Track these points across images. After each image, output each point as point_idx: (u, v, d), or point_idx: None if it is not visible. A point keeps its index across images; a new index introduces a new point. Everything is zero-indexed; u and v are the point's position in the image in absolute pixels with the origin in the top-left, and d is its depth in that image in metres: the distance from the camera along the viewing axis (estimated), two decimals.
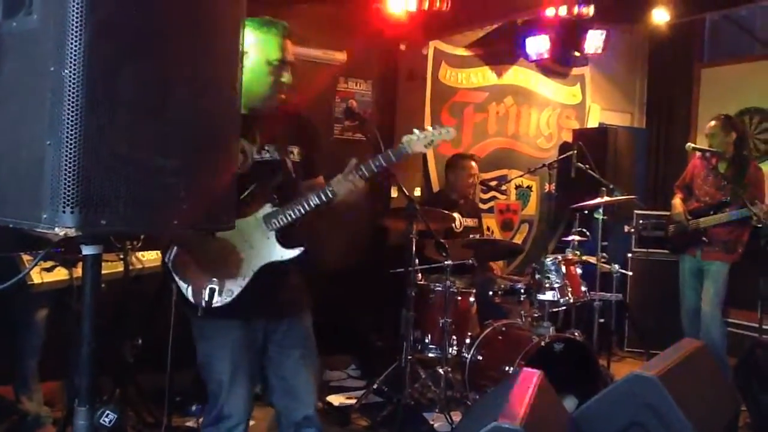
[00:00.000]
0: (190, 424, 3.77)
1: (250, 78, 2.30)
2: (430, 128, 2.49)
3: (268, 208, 2.40)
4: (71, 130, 1.33)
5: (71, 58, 1.33)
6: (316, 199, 2.39)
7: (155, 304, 3.54)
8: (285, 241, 2.41)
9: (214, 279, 2.30)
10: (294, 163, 2.54)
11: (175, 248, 2.38)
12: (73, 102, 1.33)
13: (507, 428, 2.06)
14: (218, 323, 2.39)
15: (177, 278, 2.36)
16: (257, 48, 2.41)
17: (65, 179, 1.34)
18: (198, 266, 2.34)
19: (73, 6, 1.34)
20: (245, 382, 2.44)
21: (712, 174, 4.65)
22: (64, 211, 1.34)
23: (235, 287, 2.33)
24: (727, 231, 4.54)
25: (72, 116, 1.34)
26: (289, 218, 2.39)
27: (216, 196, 1.59)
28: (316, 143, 2.69)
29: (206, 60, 1.59)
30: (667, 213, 5.89)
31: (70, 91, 1.33)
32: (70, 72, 1.33)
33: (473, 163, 5.03)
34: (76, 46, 1.33)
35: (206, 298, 2.29)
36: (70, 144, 1.33)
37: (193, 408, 3.89)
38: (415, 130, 2.47)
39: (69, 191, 1.34)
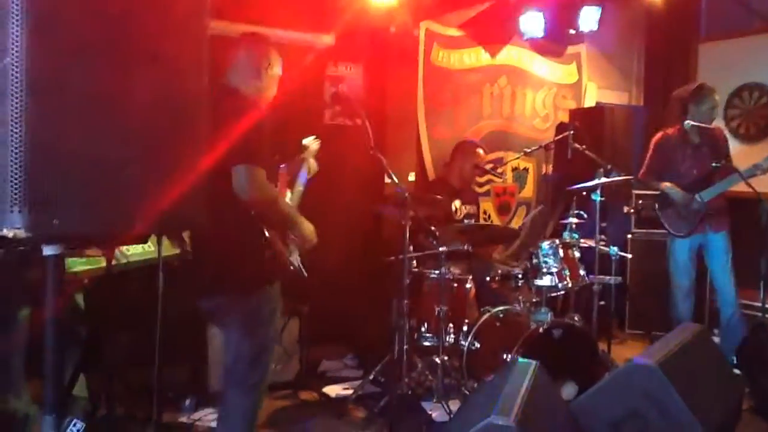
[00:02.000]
0: (183, 419, 3.72)
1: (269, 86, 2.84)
2: None
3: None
4: (16, 124, 1.23)
5: (13, 45, 1.22)
6: None
7: (143, 299, 3.46)
8: None
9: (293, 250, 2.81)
10: None
11: None
12: (17, 93, 1.23)
13: (501, 425, 1.98)
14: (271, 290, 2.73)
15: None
16: (249, 58, 2.80)
17: (12, 177, 1.24)
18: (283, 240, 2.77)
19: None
20: None
21: (689, 146, 4.56)
22: (11, 211, 1.25)
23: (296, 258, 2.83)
24: (722, 198, 4.52)
25: (17, 108, 1.23)
26: None
27: (182, 193, 1.48)
28: None
29: (168, 46, 1.48)
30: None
31: (13, 81, 1.23)
32: (13, 60, 1.23)
33: (481, 152, 4.94)
34: (17, 32, 1.22)
35: (297, 267, 2.80)
36: (16, 138, 1.23)
37: (186, 403, 3.85)
38: None
39: (16, 189, 1.24)
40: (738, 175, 4.34)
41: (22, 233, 1.25)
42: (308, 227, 2.82)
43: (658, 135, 4.77)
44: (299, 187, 3.17)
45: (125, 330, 3.66)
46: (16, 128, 1.24)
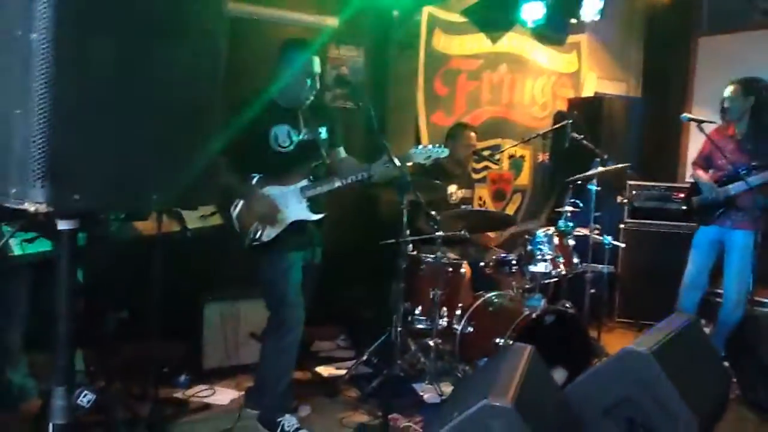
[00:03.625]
0: (178, 395, 3.76)
1: (293, 83, 3.28)
2: (430, 146, 3.40)
3: (305, 182, 3.31)
4: (41, 99, 1.24)
5: (39, 20, 1.23)
6: (354, 178, 3.31)
7: (141, 276, 3.48)
8: (313, 206, 3.34)
9: (258, 224, 3.25)
10: (322, 140, 3.44)
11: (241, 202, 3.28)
12: (42, 68, 1.24)
13: (497, 407, 2.03)
14: (273, 256, 3.29)
15: (234, 221, 3.32)
16: (299, 63, 3.25)
17: (35, 151, 1.25)
18: (249, 215, 3.27)
19: None
20: (297, 297, 3.31)
21: (732, 141, 4.56)
22: (34, 185, 1.26)
23: (272, 232, 3.27)
24: (752, 198, 4.39)
25: (42, 83, 1.24)
26: (323, 190, 3.31)
27: (195, 171, 1.50)
28: (335, 122, 3.56)
29: (187, 33, 1.49)
30: (662, 183, 5.87)
31: (39, 56, 1.24)
32: (39, 36, 1.24)
33: (472, 134, 4.95)
34: (44, 7, 1.23)
35: (251, 236, 3.27)
36: (40, 113, 1.24)
37: (182, 379, 3.88)
38: (420, 146, 3.44)
39: (39, 164, 1.25)
40: (761, 177, 4.27)
41: (43, 208, 1.27)
42: (258, 201, 3.23)
43: (712, 128, 4.69)
44: None
45: (122, 305, 3.69)
46: (41, 102, 1.25)
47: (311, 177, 3.33)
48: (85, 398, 1.55)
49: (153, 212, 3.31)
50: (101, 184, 1.33)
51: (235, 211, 3.33)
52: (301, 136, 3.37)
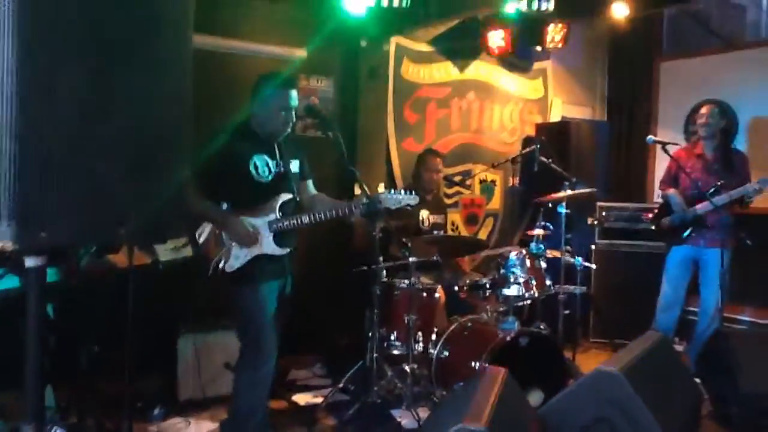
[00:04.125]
0: (152, 428, 3.71)
1: (269, 116, 3.32)
2: (402, 192, 3.47)
3: (273, 216, 3.31)
4: (6, 137, 1.25)
5: (4, 57, 1.24)
6: (317, 218, 3.34)
7: (113, 309, 3.45)
8: (280, 240, 3.33)
9: (221, 254, 3.26)
10: (294, 173, 3.46)
11: (208, 230, 3.30)
12: (6, 106, 1.25)
13: (472, 430, 2.04)
14: (247, 286, 3.28)
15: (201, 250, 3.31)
16: (275, 97, 3.29)
17: (1, 190, 1.25)
18: (216, 244, 3.28)
19: (6, 2, 1.25)
20: (272, 327, 3.31)
21: (700, 161, 4.67)
22: (0, 224, 1.26)
23: (236, 263, 3.26)
24: (718, 217, 4.48)
25: (6, 120, 1.25)
26: (291, 225, 3.32)
27: (164, 206, 1.52)
28: (305, 155, 3.59)
29: (152, 65, 1.51)
30: (631, 204, 5.97)
31: (2, 94, 1.24)
32: (4, 71, 1.24)
33: (438, 159, 5.03)
34: (9, 45, 1.24)
35: (213, 265, 3.26)
36: (5, 151, 1.25)
37: (156, 411, 3.84)
38: (392, 192, 3.46)
39: (5, 203, 1.25)
40: (735, 192, 4.38)
41: (9, 246, 1.27)
42: (235, 225, 3.24)
43: (678, 148, 4.81)
44: None
45: (94, 341, 3.64)
46: (6, 140, 1.25)
47: (280, 212, 3.33)
48: None
49: (124, 245, 3.30)
50: (69, 219, 1.33)
51: (201, 239, 3.33)
52: (277, 168, 3.38)
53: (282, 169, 3.40)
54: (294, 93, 3.34)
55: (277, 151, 3.40)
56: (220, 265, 3.26)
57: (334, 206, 3.41)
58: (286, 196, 3.38)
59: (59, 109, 1.34)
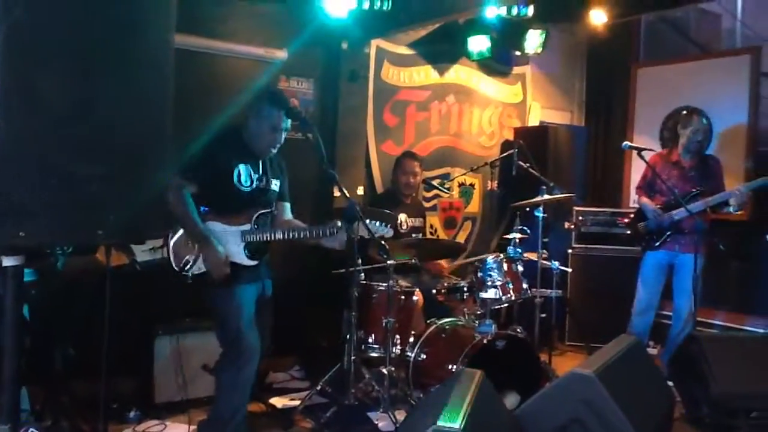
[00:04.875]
0: (128, 431, 3.69)
1: (259, 133, 3.36)
2: (377, 224, 3.43)
3: (247, 227, 3.32)
4: None
5: None
6: (290, 235, 3.35)
7: (90, 310, 3.43)
8: (251, 251, 3.33)
9: (190, 257, 3.27)
10: (273, 191, 3.52)
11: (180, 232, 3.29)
12: None
13: (447, 430, 2.06)
14: (223, 290, 3.26)
15: (171, 251, 3.32)
16: (268, 117, 3.33)
17: None
18: (186, 247, 3.28)
19: None
20: (251, 330, 3.30)
21: (677, 168, 4.73)
22: None
23: (205, 267, 3.24)
24: (693, 223, 4.51)
25: None
26: (263, 238, 3.34)
27: (143, 207, 1.52)
28: (286, 177, 3.64)
29: (132, 66, 1.52)
30: (607, 209, 6.05)
31: None
32: None
33: (416, 162, 5.05)
34: None
35: (182, 266, 3.28)
36: None
37: (132, 414, 3.82)
38: (368, 221, 3.39)
39: None
40: (713, 199, 4.47)
41: None
42: (213, 253, 3.20)
43: (653, 154, 4.88)
44: None
45: (69, 343, 3.62)
46: None
47: (255, 224, 3.34)
48: None
49: (101, 246, 3.28)
50: (47, 220, 1.33)
51: (172, 240, 3.33)
52: (259, 182, 3.42)
53: (263, 183, 3.44)
54: (281, 115, 3.36)
55: (261, 166, 3.45)
56: (188, 267, 3.28)
57: (310, 227, 3.43)
58: (263, 210, 3.41)
59: (38, 109, 1.34)
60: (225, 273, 3.22)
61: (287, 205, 3.67)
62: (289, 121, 3.39)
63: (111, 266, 3.24)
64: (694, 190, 4.57)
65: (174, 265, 3.30)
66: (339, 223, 3.31)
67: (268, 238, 3.36)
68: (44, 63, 1.35)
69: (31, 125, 1.31)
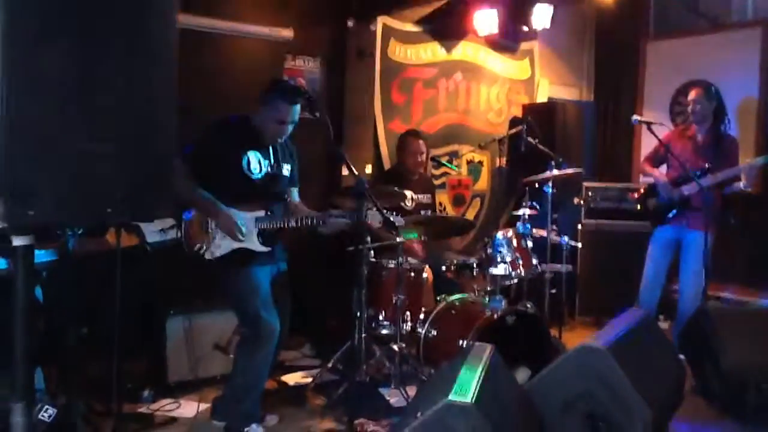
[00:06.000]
0: (142, 410, 3.73)
1: (268, 122, 3.34)
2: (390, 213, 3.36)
3: (261, 213, 3.34)
4: None
5: None
6: (308, 222, 3.35)
7: (102, 291, 3.46)
8: (264, 237, 3.36)
9: (202, 243, 3.30)
10: (285, 177, 3.53)
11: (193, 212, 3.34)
12: None
13: (459, 404, 2.07)
14: (237, 271, 3.30)
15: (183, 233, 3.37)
16: (277, 110, 3.30)
17: None
18: (199, 228, 3.33)
19: None
20: (268, 309, 3.33)
21: (692, 143, 4.69)
22: None
23: (217, 252, 3.30)
24: (703, 198, 4.45)
25: None
26: (277, 225, 3.35)
27: (151, 185, 1.52)
28: (297, 162, 3.64)
29: (137, 45, 1.51)
30: (617, 184, 6.02)
31: None
32: None
33: (420, 141, 5.01)
34: None
35: (195, 250, 3.31)
36: None
37: (145, 394, 3.85)
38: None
39: None
40: (723, 175, 4.42)
41: None
42: (224, 216, 3.25)
43: (669, 131, 4.82)
44: None
45: (82, 323, 3.65)
46: None
47: (268, 210, 3.37)
48: (47, 413, 1.55)
49: (111, 227, 3.30)
50: (56, 199, 1.34)
51: (185, 222, 3.37)
52: (269, 168, 3.43)
53: (274, 170, 3.45)
54: (297, 109, 3.35)
55: (271, 153, 3.46)
56: (201, 251, 3.31)
57: (324, 214, 3.43)
58: (277, 196, 3.45)
59: (46, 89, 1.34)
60: (241, 236, 3.26)
61: (295, 190, 3.68)
62: (298, 113, 3.37)
63: (121, 247, 3.28)
64: (705, 164, 4.53)
65: (186, 251, 3.33)
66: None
67: (282, 226, 3.37)
68: (48, 42, 1.34)
69: (36, 104, 1.31)
